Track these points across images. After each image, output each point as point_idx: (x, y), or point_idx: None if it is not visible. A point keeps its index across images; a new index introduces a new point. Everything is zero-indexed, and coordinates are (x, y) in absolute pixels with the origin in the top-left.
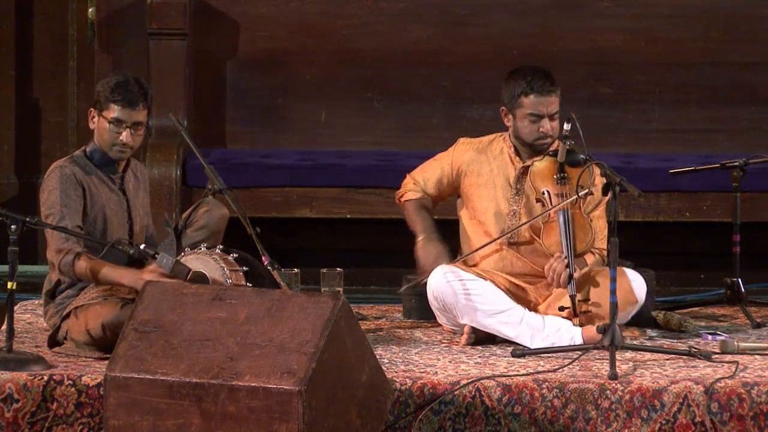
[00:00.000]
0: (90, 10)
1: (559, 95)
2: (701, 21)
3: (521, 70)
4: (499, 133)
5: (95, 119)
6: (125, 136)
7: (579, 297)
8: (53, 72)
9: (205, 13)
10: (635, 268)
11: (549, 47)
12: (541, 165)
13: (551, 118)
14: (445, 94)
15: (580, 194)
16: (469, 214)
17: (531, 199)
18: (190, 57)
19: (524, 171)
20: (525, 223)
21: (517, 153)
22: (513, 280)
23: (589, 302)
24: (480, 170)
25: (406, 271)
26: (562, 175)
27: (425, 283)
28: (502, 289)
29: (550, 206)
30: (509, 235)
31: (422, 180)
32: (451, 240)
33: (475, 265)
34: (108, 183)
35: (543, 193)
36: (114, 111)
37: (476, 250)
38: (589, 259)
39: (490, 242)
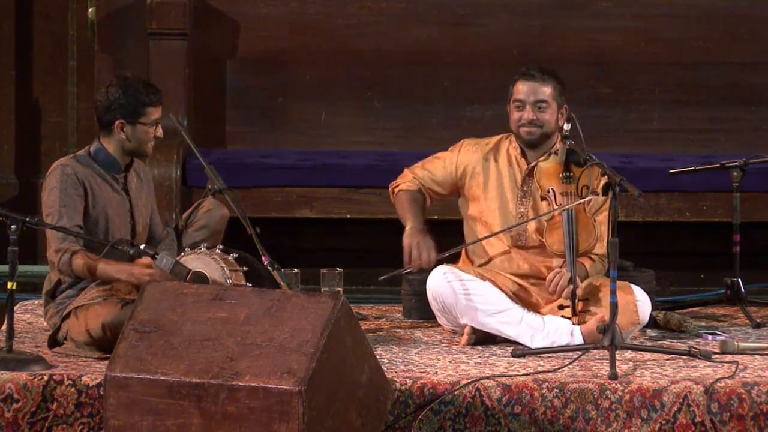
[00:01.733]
0: (90, 10)
1: (552, 88)
2: (701, 21)
3: (528, 64)
4: (505, 134)
5: (125, 129)
6: (159, 130)
7: (578, 296)
8: (53, 72)
9: (205, 13)
10: (635, 268)
11: (549, 47)
12: (547, 164)
13: (536, 107)
14: (445, 94)
15: (587, 198)
16: (476, 215)
17: (537, 200)
18: (190, 57)
19: (530, 172)
20: (528, 220)
21: (523, 154)
22: (517, 280)
23: (589, 302)
24: (487, 172)
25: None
26: (567, 174)
27: (407, 274)
28: (503, 290)
29: (554, 204)
30: (517, 237)
31: (422, 175)
32: (448, 240)
33: (486, 263)
34: (111, 183)
35: (548, 192)
36: (153, 113)
37: (467, 245)
38: (587, 263)
39: (486, 237)
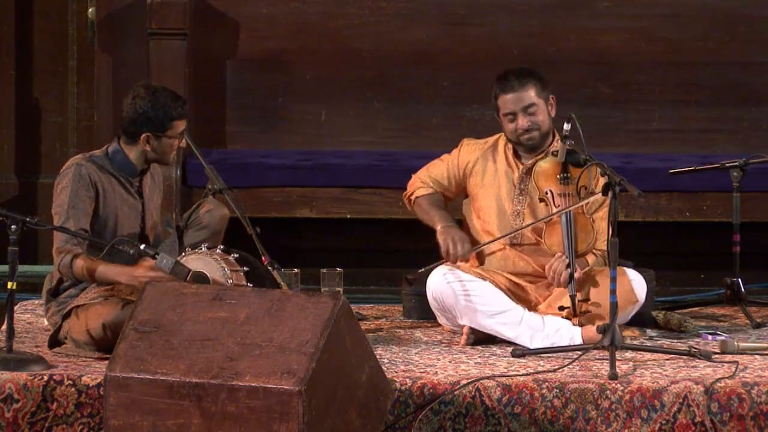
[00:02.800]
0: (90, 10)
1: (534, 87)
2: (701, 21)
3: (502, 73)
4: (502, 134)
5: (151, 142)
6: (183, 141)
7: (579, 297)
8: (53, 72)
9: (205, 13)
10: (635, 268)
11: (549, 47)
12: (545, 165)
13: (526, 112)
14: (445, 94)
15: (587, 199)
16: (474, 213)
17: (534, 199)
18: (190, 57)
19: (527, 171)
20: (530, 224)
21: (516, 154)
22: (514, 279)
23: (590, 302)
24: (484, 170)
25: (406, 271)
26: (565, 175)
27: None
28: (502, 289)
29: (553, 206)
30: (513, 235)
31: (429, 179)
32: None
33: (480, 262)
34: (126, 185)
35: (546, 193)
36: (179, 126)
37: (483, 245)
38: (590, 259)
39: (494, 240)
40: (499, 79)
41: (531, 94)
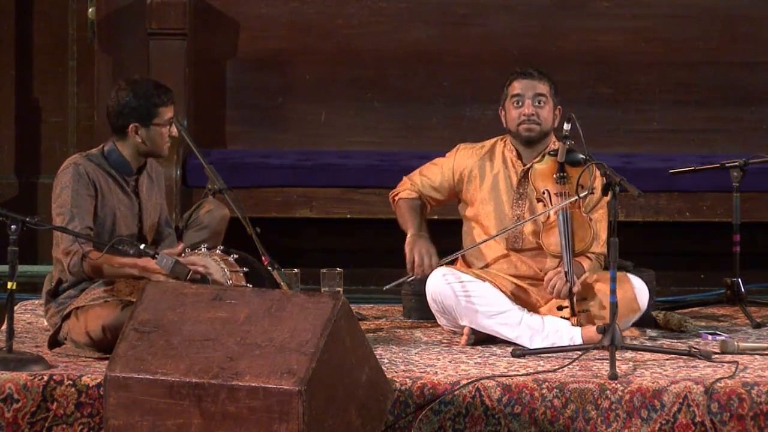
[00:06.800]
0: (90, 10)
1: (549, 86)
2: (701, 21)
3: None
4: (500, 137)
5: (140, 132)
6: (173, 129)
7: (577, 296)
8: (53, 72)
9: (205, 13)
10: (635, 268)
11: (549, 47)
12: (541, 165)
13: (536, 100)
14: (445, 94)
15: (580, 195)
16: (473, 218)
17: (534, 201)
18: (190, 57)
19: (526, 174)
20: (523, 222)
21: (519, 156)
22: (516, 281)
23: (588, 302)
24: (482, 176)
25: (406, 271)
26: (561, 174)
27: (411, 282)
28: (503, 290)
29: (550, 206)
30: (514, 240)
31: (420, 183)
32: (448, 240)
33: (485, 266)
34: (122, 184)
35: (543, 193)
36: (165, 113)
37: (468, 249)
38: (586, 263)
39: (484, 241)
40: (517, 69)
41: (545, 88)
